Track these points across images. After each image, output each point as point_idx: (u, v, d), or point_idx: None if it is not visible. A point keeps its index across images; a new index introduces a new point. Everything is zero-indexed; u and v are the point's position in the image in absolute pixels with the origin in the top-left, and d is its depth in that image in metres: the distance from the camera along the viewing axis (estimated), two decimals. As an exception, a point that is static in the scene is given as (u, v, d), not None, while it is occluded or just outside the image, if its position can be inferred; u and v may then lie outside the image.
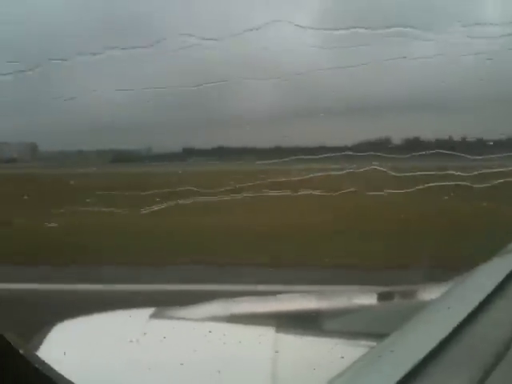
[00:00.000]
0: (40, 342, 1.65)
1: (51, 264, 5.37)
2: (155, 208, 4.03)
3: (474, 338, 1.03)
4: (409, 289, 2.53)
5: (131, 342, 1.62)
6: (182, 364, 1.48)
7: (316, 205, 4.96)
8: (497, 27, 3.65)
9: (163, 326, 1.89)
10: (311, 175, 4.27)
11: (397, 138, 5.21)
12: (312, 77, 3.87)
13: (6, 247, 5.21)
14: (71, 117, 4.62)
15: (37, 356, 0.67)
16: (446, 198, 4.20)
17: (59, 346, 1.63)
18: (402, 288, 2.64)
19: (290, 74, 3.92)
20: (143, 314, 1.92)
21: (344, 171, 4.04)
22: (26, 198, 4.75)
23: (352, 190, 4.26)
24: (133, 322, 1.89)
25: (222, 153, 5.57)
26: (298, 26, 3.48)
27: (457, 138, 4.98)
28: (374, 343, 1.31)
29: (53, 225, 4.33)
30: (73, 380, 0.70)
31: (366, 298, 2.34)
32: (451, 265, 3.43)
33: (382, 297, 2.23)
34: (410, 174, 4.05)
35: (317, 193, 4.19)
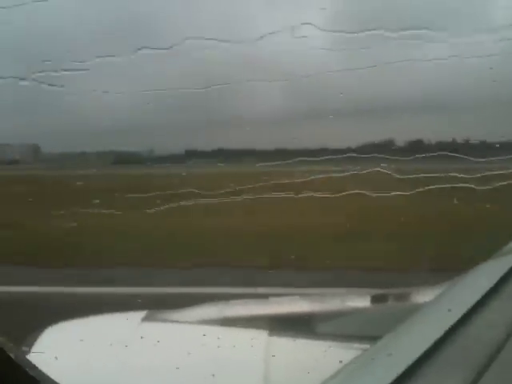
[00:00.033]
0: (32, 345, 1.64)
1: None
2: (157, 209, 4.03)
3: (467, 340, 1.02)
4: (402, 291, 2.51)
5: (124, 345, 1.60)
6: (176, 368, 1.47)
7: (318, 207, 4.95)
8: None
9: (157, 329, 1.88)
10: (313, 177, 4.26)
11: (409, 138, 5.23)
12: (321, 79, 3.89)
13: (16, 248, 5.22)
14: (73, 118, 4.63)
15: (28, 360, 0.66)
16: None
17: (51, 349, 1.62)
18: (396, 290, 2.62)
19: (299, 76, 3.93)
20: (136, 317, 1.90)
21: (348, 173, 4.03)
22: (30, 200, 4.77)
23: (356, 191, 4.23)
24: (126, 325, 1.87)
25: (237, 154, 5.74)
26: (308, 27, 3.48)
27: (474, 140, 4.95)
28: (367, 345, 1.29)
29: (52, 225, 4.34)
30: None
31: (360, 301, 2.32)
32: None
33: (376, 299, 2.21)
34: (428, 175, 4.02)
35: (319, 195, 4.18)
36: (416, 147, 5.44)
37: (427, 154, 4.12)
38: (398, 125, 5.73)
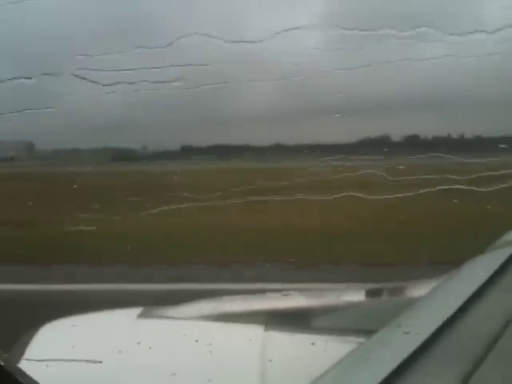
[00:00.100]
0: (26, 344, 1.61)
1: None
2: (155, 210, 4.02)
3: (464, 332, 1.02)
4: (397, 285, 2.51)
5: (118, 344, 1.58)
6: (169, 367, 1.45)
7: (311, 206, 4.94)
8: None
9: (151, 326, 1.86)
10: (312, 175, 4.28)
11: (411, 135, 5.24)
12: (317, 78, 3.90)
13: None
14: (68, 115, 4.61)
15: (18, 367, 0.66)
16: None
17: (44, 349, 1.60)
18: (391, 285, 2.62)
19: (296, 75, 3.93)
20: (131, 314, 1.88)
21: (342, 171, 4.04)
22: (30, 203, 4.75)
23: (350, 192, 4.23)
24: (120, 322, 1.85)
25: (236, 151, 5.93)
26: (307, 28, 3.50)
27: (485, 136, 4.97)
28: (363, 339, 1.29)
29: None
30: None
31: (356, 295, 2.33)
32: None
33: (371, 294, 2.22)
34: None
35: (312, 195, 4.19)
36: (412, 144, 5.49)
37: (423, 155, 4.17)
38: (395, 123, 5.75)
